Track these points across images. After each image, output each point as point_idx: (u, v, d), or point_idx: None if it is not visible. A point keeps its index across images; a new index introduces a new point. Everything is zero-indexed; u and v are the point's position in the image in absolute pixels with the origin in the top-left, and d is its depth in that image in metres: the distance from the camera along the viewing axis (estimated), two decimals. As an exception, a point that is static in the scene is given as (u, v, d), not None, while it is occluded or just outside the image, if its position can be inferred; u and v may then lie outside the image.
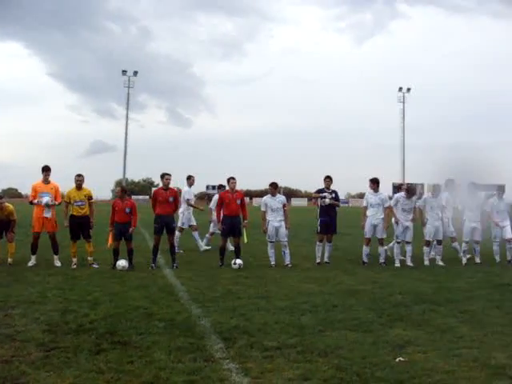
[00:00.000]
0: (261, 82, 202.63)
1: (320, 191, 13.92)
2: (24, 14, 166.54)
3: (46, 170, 13.00)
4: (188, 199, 16.34)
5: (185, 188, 16.67)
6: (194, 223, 16.80)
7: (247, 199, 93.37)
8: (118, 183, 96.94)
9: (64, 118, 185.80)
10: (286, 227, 13.42)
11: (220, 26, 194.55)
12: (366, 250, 13.75)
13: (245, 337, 6.60)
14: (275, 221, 13.35)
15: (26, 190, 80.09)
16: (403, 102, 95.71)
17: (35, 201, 12.76)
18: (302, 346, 6.23)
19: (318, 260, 13.82)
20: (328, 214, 13.82)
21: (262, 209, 13.56)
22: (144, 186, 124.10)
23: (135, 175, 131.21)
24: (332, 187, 13.91)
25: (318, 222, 13.92)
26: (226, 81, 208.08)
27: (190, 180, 16.65)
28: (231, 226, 13.18)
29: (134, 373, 5.31)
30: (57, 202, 12.92)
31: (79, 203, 12.78)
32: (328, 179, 13.88)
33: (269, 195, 13.60)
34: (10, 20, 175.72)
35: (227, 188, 13.77)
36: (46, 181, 12.97)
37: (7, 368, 5.42)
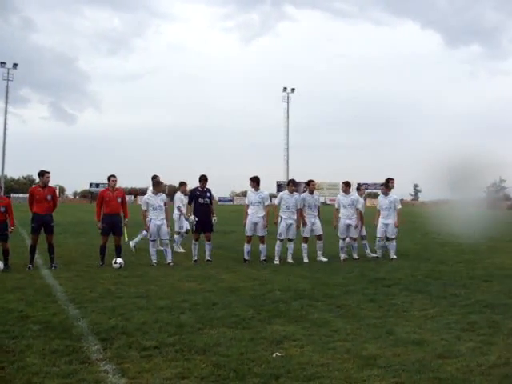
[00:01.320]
0: (148, 79, 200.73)
1: (194, 190, 14.11)
2: None
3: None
4: (178, 206, 16.04)
5: (177, 194, 16.30)
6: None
7: (131, 197, 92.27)
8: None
9: None
10: (167, 225, 13.46)
11: (106, 20, 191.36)
12: (247, 247, 13.97)
13: (123, 337, 6.56)
14: (157, 219, 13.32)
15: None
16: (287, 102, 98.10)
17: None
18: (180, 345, 6.27)
19: (195, 258, 13.90)
20: (202, 213, 13.96)
21: (143, 207, 13.54)
22: (25, 184, 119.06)
23: (15, 172, 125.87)
24: (208, 186, 14.12)
25: (194, 222, 14.04)
26: (112, 77, 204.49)
27: (182, 187, 16.53)
28: (111, 225, 13.00)
29: (5, 379, 5.15)
30: None
31: None
32: (203, 180, 14.05)
33: (150, 193, 13.63)
34: None
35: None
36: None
37: None
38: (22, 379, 5.13)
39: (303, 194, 14.52)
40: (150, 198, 13.43)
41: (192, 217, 13.93)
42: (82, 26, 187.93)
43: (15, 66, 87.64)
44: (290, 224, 14.08)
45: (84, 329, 6.95)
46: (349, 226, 14.49)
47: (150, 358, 5.80)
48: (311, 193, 14.53)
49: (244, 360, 5.77)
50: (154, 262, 13.24)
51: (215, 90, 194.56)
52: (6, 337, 6.50)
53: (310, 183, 14.66)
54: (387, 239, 14.86)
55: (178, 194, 16.27)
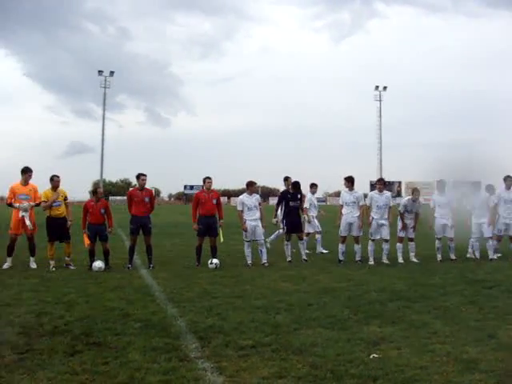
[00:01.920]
0: (239, 81, 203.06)
1: (285, 193, 14.19)
2: (1, 14, 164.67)
3: (27, 171, 12.91)
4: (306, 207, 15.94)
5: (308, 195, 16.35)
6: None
7: (225, 199, 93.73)
8: (95, 184, 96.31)
9: (42, 119, 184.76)
10: (262, 226, 13.50)
11: (198, 25, 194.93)
12: (341, 248, 13.85)
13: (220, 336, 6.63)
14: (252, 219, 13.40)
15: (1, 191, 79.30)
16: (380, 100, 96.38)
17: (16, 205, 12.66)
18: (276, 345, 6.27)
19: (289, 258, 13.90)
20: (293, 214, 14.02)
21: (239, 208, 13.61)
22: (122, 187, 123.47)
23: (113, 176, 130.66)
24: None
25: (284, 223, 14.05)
26: (204, 80, 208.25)
27: (313, 188, 16.53)
28: (207, 226, 13.20)
29: (109, 374, 5.32)
30: (34, 203, 12.79)
31: (56, 204, 12.71)
32: (296, 187, 14.14)
33: (245, 194, 13.66)
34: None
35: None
36: (25, 182, 12.89)
37: (-19, 371, 5.39)
38: (124, 374, 5.29)
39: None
40: (246, 199, 13.52)
41: (274, 220, 14.02)
42: (174, 32, 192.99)
43: (112, 73, 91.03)
44: (382, 224, 13.84)
45: (182, 327, 7.09)
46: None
47: (247, 357, 5.82)
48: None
49: (341, 361, 5.70)
50: (249, 262, 13.33)
51: (306, 91, 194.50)
52: (109, 333, 6.72)
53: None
54: (486, 239, 14.38)
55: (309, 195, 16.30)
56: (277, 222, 13.88)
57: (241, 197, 13.76)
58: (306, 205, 15.68)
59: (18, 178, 12.95)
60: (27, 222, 12.59)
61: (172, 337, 6.60)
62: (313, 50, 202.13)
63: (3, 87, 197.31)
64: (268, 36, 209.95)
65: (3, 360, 5.75)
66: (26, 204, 12.58)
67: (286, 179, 15.49)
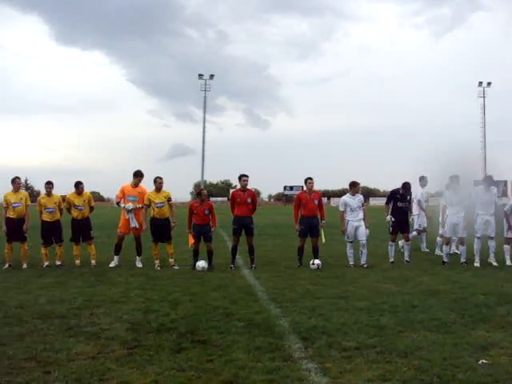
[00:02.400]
0: (337, 82, 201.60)
1: (395, 193, 13.94)
2: (106, 23, 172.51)
3: (138, 175, 13.45)
4: (420, 200, 16.05)
5: (418, 189, 16.15)
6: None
7: (325, 199, 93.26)
8: (197, 185, 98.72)
9: (145, 123, 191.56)
10: (365, 226, 13.32)
11: (295, 26, 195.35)
12: (446, 249, 13.45)
13: (323, 337, 6.58)
14: (355, 220, 13.24)
15: (108, 193, 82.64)
16: (483, 97, 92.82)
17: (122, 205, 13.16)
18: (381, 347, 6.16)
19: (392, 259, 13.67)
20: (400, 213, 13.80)
21: (341, 208, 13.46)
22: (222, 188, 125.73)
23: (213, 177, 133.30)
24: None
25: (390, 223, 13.80)
26: (302, 81, 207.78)
27: (422, 181, 16.16)
28: (309, 227, 13.17)
29: (214, 371, 5.40)
30: (140, 205, 13.23)
31: (159, 205, 13.10)
32: (406, 188, 13.91)
33: (348, 194, 13.50)
34: (93, 30, 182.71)
35: None
36: (135, 185, 13.38)
37: (93, 364, 5.63)
38: (229, 372, 5.35)
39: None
40: (349, 199, 13.36)
41: (388, 217, 13.75)
42: (273, 34, 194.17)
43: (211, 76, 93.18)
44: (486, 220, 13.33)
45: (285, 327, 7.09)
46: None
47: (351, 359, 5.75)
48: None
49: (447, 365, 5.52)
50: (351, 263, 13.19)
51: (405, 90, 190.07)
52: (214, 332, 6.84)
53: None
54: None
55: (419, 189, 16.01)
56: (390, 218, 13.64)
57: (344, 197, 13.59)
58: (419, 198, 15.60)
59: (123, 180, 13.52)
60: (132, 224, 13.05)
61: (275, 336, 6.62)
62: (412, 48, 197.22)
63: (108, 93, 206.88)
64: (366, 34, 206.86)
65: (114, 354, 5.98)
66: (130, 205, 13.04)
67: (422, 178, 15.69)
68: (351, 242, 13.30)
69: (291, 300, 8.91)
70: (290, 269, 12.74)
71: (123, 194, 13.30)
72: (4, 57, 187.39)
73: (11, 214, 13.23)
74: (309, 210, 13.16)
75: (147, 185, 13.55)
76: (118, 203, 13.50)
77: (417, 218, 16.01)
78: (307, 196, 13.25)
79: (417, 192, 15.76)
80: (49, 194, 13.39)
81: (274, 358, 5.78)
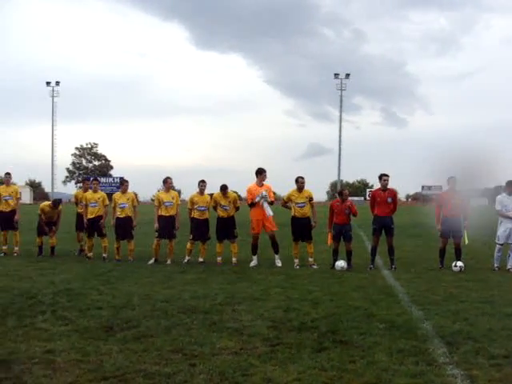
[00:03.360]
0: (479, 77, 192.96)
1: None
2: (242, 26, 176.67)
3: (262, 172, 13.60)
4: None
5: None
6: None
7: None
8: (333, 185, 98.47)
9: (281, 123, 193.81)
10: None
11: (433, 21, 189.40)
12: None
13: (469, 342, 6.37)
14: (508, 222, 12.63)
15: (245, 193, 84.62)
16: None
17: (257, 198, 13.33)
18: (532, 356, 5.85)
19: None
20: None
21: (497, 208, 12.78)
22: (358, 188, 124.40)
23: (350, 176, 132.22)
24: None
25: None
26: (441, 77, 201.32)
27: None
28: (451, 227, 12.75)
29: (356, 372, 5.39)
30: (269, 199, 13.35)
31: (300, 205, 13.16)
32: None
33: (504, 194, 12.82)
34: (230, 34, 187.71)
35: None
36: (259, 183, 13.60)
37: (236, 359, 5.80)
38: (371, 374, 5.32)
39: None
40: (505, 199, 12.70)
41: None
42: (409, 30, 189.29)
43: (347, 76, 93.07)
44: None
45: (429, 331, 6.93)
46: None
47: (500, 368, 5.51)
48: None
49: None
50: (496, 266, 12.61)
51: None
52: (355, 332, 6.82)
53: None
54: None
55: None
56: None
57: (499, 197, 12.89)
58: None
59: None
60: (268, 213, 13.17)
61: (418, 340, 6.49)
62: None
63: (245, 95, 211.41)
64: (510, 26, 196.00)
65: (256, 350, 6.13)
66: (264, 192, 13.18)
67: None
68: (501, 244, 12.67)
69: (433, 303, 8.69)
70: (431, 270, 12.44)
71: (252, 195, 13.47)
72: (146, 63, 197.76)
73: (164, 213, 13.94)
74: (452, 211, 12.71)
75: (289, 184, 13.71)
76: (250, 204, 13.62)
77: None
78: (450, 195, 12.81)
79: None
80: (201, 192, 13.95)
81: (417, 361, 5.67)
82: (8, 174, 15.73)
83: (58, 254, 15.14)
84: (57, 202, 15.34)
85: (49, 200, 17.61)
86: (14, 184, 16.42)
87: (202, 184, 13.97)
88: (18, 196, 15.66)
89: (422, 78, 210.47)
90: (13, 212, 15.25)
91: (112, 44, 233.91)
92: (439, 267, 12.72)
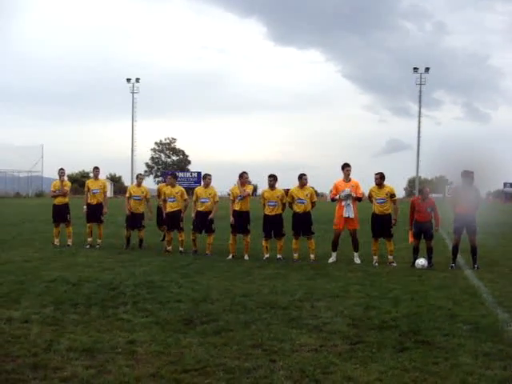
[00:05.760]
0: None
1: None
2: (321, 21, 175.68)
3: (345, 166, 13.40)
4: None
5: None
6: None
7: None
8: (411, 181, 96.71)
9: (360, 118, 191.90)
10: None
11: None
12: None
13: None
14: None
15: (322, 188, 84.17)
16: None
17: (336, 197, 13.27)
18: None
19: None
20: None
21: None
22: (437, 184, 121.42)
23: (429, 173, 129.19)
24: None
25: None
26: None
27: None
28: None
29: (440, 375, 5.24)
30: (354, 195, 13.19)
31: (380, 201, 13.03)
32: None
33: None
34: (309, 29, 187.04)
35: None
36: (346, 178, 13.43)
37: (316, 357, 5.75)
38: (457, 377, 5.16)
39: None
40: None
41: None
42: (494, 22, 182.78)
43: (427, 70, 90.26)
44: None
45: (516, 334, 6.67)
46: None
47: None
48: None
49: None
50: None
51: None
52: (438, 333, 6.64)
53: None
54: None
55: None
56: None
57: None
58: None
59: (337, 175, 13.73)
60: (345, 213, 13.03)
61: (505, 343, 6.25)
62: None
63: (324, 89, 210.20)
64: None
65: (336, 348, 6.07)
66: (347, 190, 13.07)
67: None
68: None
69: (520, 305, 8.36)
70: (516, 271, 11.96)
71: (336, 190, 13.34)
72: (224, 59, 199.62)
73: (237, 208, 14.00)
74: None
75: (368, 181, 13.54)
76: (332, 199, 13.61)
77: None
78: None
79: None
80: (271, 187, 13.91)
81: (505, 366, 5.45)
82: (97, 168, 16.18)
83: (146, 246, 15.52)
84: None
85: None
86: (102, 178, 16.86)
87: (270, 179, 13.83)
88: (106, 190, 16.14)
89: (506, 71, 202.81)
90: (99, 205, 15.72)
91: (190, 40, 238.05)
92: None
